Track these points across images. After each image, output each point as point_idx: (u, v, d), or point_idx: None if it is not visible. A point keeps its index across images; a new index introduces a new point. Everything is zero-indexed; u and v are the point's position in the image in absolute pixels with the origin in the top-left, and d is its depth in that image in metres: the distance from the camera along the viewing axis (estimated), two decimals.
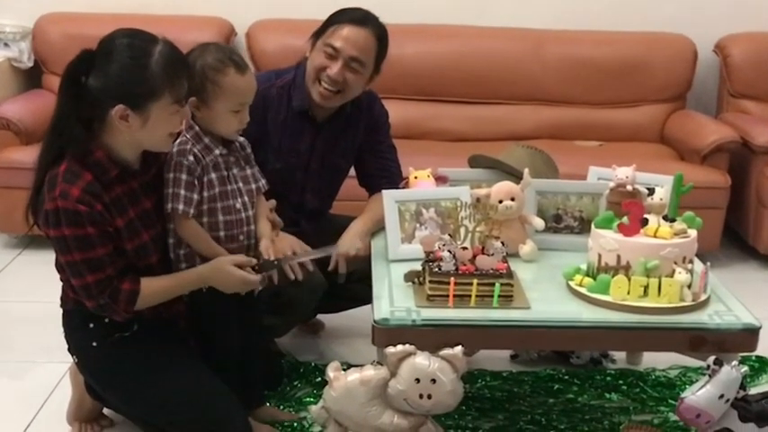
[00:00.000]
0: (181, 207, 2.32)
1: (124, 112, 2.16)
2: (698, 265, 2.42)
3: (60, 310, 2.41)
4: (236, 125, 2.39)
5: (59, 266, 2.33)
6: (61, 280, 2.37)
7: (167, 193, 2.33)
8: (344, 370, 2.29)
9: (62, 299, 2.40)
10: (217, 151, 2.40)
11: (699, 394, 2.17)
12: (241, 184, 2.46)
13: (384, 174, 2.96)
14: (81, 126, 2.21)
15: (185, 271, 2.38)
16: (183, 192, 2.32)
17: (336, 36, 2.71)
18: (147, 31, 2.23)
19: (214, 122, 2.38)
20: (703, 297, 2.34)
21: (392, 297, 2.36)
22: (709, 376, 2.18)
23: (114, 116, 2.17)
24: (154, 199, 2.35)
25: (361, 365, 2.26)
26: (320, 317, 3.25)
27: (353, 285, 2.74)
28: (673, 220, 2.38)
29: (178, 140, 2.36)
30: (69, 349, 2.43)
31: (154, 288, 2.29)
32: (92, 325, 2.33)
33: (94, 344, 2.34)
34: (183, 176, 2.33)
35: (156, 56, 2.17)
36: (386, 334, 2.24)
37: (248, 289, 2.40)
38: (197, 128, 2.38)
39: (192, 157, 2.34)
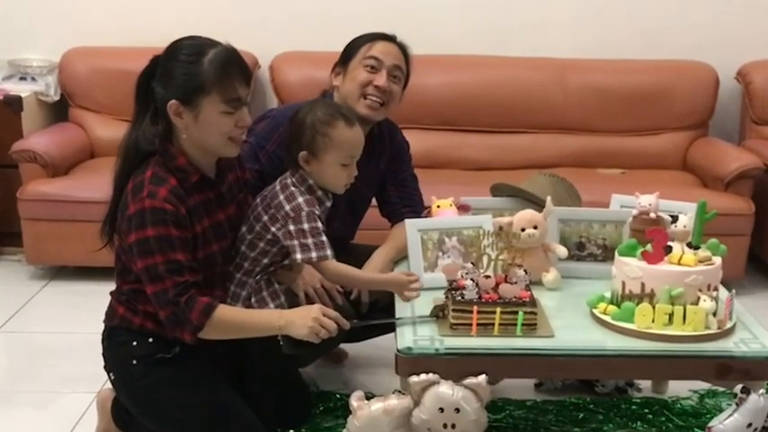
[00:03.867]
0: (315, 255, 2.37)
1: (178, 109, 2.24)
2: (723, 293, 2.41)
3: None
4: (344, 179, 2.48)
5: (121, 279, 2.36)
6: (115, 293, 2.41)
7: (301, 244, 2.37)
8: (368, 399, 2.28)
9: (108, 314, 2.43)
10: (328, 204, 2.49)
11: (726, 423, 2.16)
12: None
13: (406, 203, 2.97)
14: (154, 127, 2.29)
15: (264, 310, 2.43)
16: (323, 239, 2.39)
17: (373, 50, 2.76)
18: (212, 38, 2.31)
19: (323, 175, 2.45)
20: (729, 325, 2.33)
21: (415, 326, 2.36)
22: (737, 405, 2.16)
23: (170, 112, 2.24)
24: (226, 212, 2.41)
25: (385, 395, 2.26)
26: (343, 346, 3.24)
27: (376, 314, 2.74)
28: (697, 248, 2.36)
29: (299, 194, 2.42)
30: (106, 366, 2.45)
31: (230, 313, 2.30)
32: (135, 343, 2.36)
33: (134, 362, 2.36)
34: (320, 225, 2.40)
35: (210, 55, 2.24)
36: (409, 363, 2.24)
37: (324, 337, 2.33)
38: (311, 181, 2.45)
39: (318, 208, 2.43)
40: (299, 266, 2.57)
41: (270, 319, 2.35)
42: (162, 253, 2.20)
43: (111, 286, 2.44)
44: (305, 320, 2.29)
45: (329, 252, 2.38)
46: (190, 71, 2.23)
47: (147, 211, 2.20)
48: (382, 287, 2.57)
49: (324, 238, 2.39)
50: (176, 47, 2.29)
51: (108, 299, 2.45)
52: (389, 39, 2.81)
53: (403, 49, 2.83)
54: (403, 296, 2.44)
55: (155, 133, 2.29)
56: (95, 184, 3.49)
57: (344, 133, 2.44)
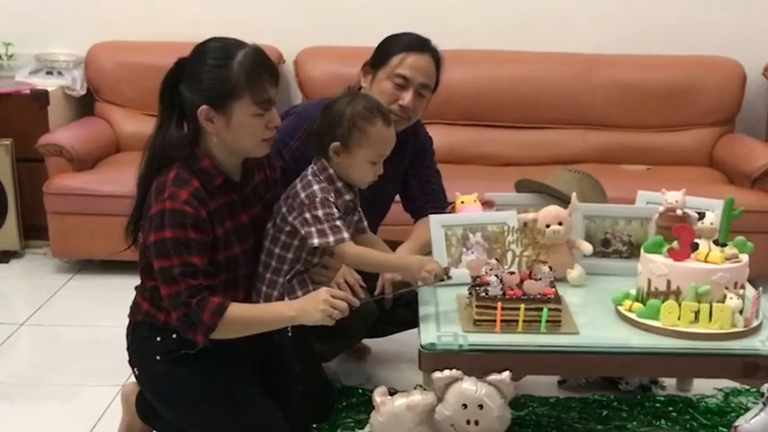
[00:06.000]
0: (332, 239, 2.37)
1: (209, 114, 2.23)
2: (749, 291, 2.38)
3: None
4: (370, 176, 2.46)
5: (145, 276, 2.37)
6: (139, 289, 2.42)
7: (318, 230, 2.37)
8: (391, 395, 2.28)
9: (132, 309, 2.44)
10: (347, 197, 2.46)
11: (753, 422, 2.14)
12: (352, 230, 2.51)
13: (429, 198, 2.96)
14: (180, 131, 2.28)
15: (274, 303, 2.43)
16: (338, 223, 2.38)
17: (404, 66, 2.73)
18: (237, 39, 2.29)
19: (350, 169, 2.44)
20: (755, 323, 2.31)
21: (439, 322, 2.35)
22: (764, 404, 2.15)
23: (200, 117, 2.23)
24: (250, 213, 2.40)
25: (408, 390, 2.26)
26: (366, 341, 3.25)
27: (400, 310, 2.73)
28: (724, 245, 2.35)
29: (315, 182, 2.42)
30: (130, 361, 2.45)
31: (242, 310, 2.29)
32: (159, 338, 2.36)
33: (158, 357, 2.36)
34: (335, 211, 2.39)
35: (240, 57, 2.23)
36: (432, 359, 2.23)
37: (337, 317, 2.31)
38: (331, 171, 2.44)
39: (333, 196, 2.42)
40: (334, 264, 2.56)
41: (281, 311, 2.34)
42: (178, 255, 2.20)
43: (137, 280, 2.45)
44: (315, 305, 2.28)
45: (346, 235, 2.38)
46: (220, 75, 2.21)
47: (167, 212, 2.20)
48: (399, 270, 2.57)
49: (338, 222, 2.38)
50: (203, 50, 2.27)
51: (133, 293, 2.47)
52: (422, 49, 2.77)
53: (435, 57, 2.80)
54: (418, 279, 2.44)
55: (181, 137, 2.28)
56: (121, 179, 3.50)
57: (381, 131, 2.43)
